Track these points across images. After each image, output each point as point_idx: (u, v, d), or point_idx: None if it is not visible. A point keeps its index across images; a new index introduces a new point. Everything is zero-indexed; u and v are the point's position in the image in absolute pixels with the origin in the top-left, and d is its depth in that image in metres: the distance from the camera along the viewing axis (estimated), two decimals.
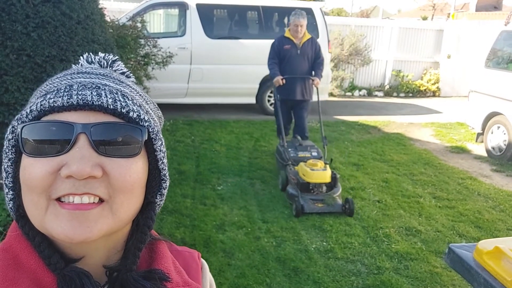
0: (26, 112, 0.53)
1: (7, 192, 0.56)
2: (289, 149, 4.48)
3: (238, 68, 7.15)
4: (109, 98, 0.53)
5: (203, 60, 6.98)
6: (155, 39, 5.99)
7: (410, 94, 10.47)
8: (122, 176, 0.52)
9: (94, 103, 0.52)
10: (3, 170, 0.55)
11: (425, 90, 10.51)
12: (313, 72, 4.85)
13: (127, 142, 0.53)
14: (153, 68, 5.90)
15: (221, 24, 7.67)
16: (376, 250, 3.29)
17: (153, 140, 0.57)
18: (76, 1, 3.41)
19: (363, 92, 10.31)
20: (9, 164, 0.54)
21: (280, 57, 4.83)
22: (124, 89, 0.57)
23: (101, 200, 0.51)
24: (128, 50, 5.35)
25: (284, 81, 4.66)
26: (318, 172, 3.94)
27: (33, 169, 0.50)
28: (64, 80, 0.56)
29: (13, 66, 3.15)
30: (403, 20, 14.55)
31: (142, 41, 5.78)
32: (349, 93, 10.23)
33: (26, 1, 3.13)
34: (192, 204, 3.86)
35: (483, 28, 9.89)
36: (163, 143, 0.60)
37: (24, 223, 0.55)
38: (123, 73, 0.62)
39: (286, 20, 7.70)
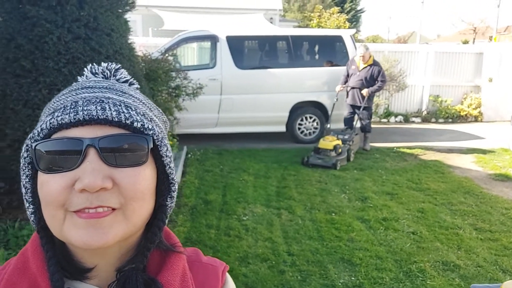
0: (38, 131, 0.56)
1: (28, 206, 0.60)
2: (331, 132, 6.46)
3: (268, 97, 7.17)
4: (113, 111, 0.56)
5: (233, 90, 7.06)
6: (186, 72, 6.14)
7: (450, 120, 10.07)
8: (131, 185, 0.55)
9: (99, 117, 0.55)
10: (22, 186, 0.60)
11: (465, 115, 10.08)
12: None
13: (134, 152, 0.56)
14: (183, 100, 6.02)
15: (250, 55, 7.79)
16: (409, 286, 3.06)
17: (158, 147, 0.59)
18: (105, 37, 3.54)
19: (400, 118, 10.03)
20: (27, 180, 0.59)
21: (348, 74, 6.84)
22: (127, 100, 0.59)
23: (114, 208, 0.54)
24: (159, 83, 5.49)
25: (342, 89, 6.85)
26: (325, 142, 6.06)
27: (49, 185, 0.53)
28: (70, 96, 0.59)
29: (45, 101, 3.28)
30: (441, 45, 14.22)
31: (173, 74, 5.93)
32: (385, 120, 9.98)
33: (58, 38, 3.28)
34: (216, 235, 3.79)
35: None
36: (169, 149, 0.62)
37: (43, 235, 0.59)
38: (126, 81, 0.65)
39: (317, 48, 7.72)
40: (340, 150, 6.06)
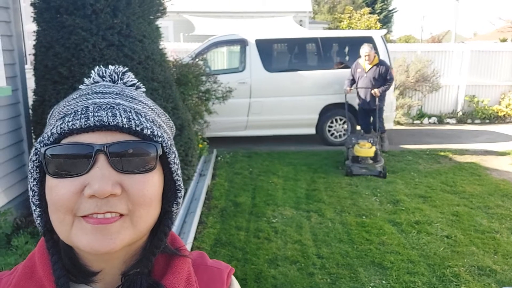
0: (47, 135, 0.56)
1: (34, 209, 0.60)
2: (352, 138, 5.96)
3: (297, 100, 7.16)
4: (124, 118, 0.56)
5: (262, 93, 7.10)
6: (215, 76, 6.22)
7: (487, 121, 9.72)
8: (140, 191, 0.55)
9: (110, 124, 0.55)
10: (29, 189, 0.60)
11: (504, 115, 9.70)
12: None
13: (143, 158, 0.56)
14: (213, 103, 6.10)
15: (279, 58, 7.80)
16: None
17: (167, 154, 0.60)
18: (137, 44, 3.65)
19: (433, 119, 9.77)
20: (35, 183, 0.59)
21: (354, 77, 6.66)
22: (137, 106, 0.60)
23: (121, 214, 0.55)
24: (189, 87, 5.59)
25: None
26: (364, 149, 5.67)
27: (58, 190, 0.54)
28: (80, 101, 0.59)
29: None
30: (476, 43, 13.77)
31: (204, 78, 6.03)
32: (418, 121, 9.74)
33: (93, 46, 3.41)
34: (246, 237, 3.82)
35: None
36: (176, 156, 0.62)
37: (49, 238, 0.60)
38: (133, 85, 0.65)
39: (347, 50, 7.65)
40: (379, 157, 5.86)
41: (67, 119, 0.56)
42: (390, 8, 26.88)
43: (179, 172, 0.63)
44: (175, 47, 8.68)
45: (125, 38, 3.56)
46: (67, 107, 0.59)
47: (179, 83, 5.28)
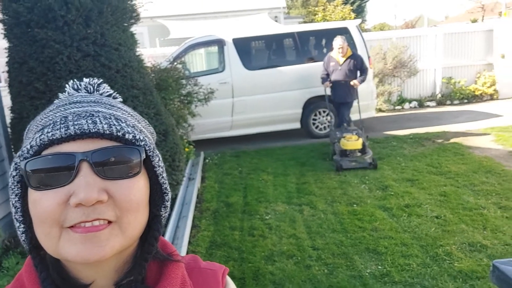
0: (27, 148, 0.55)
1: (18, 226, 0.59)
2: (337, 132, 5.92)
3: (280, 96, 7.18)
4: (104, 124, 0.56)
5: (245, 91, 7.10)
6: (196, 78, 6.20)
7: (465, 101, 9.91)
8: (126, 196, 0.54)
9: (91, 131, 0.54)
10: (11, 205, 0.58)
11: (481, 94, 9.91)
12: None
13: (127, 163, 0.55)
14: (196, 106, 6.07)
15: (258, 55, 7.82)
16: (437, 270, 3.04)
17: (150, 157, 0.59)
18: (113, 52, 3.61)
19: (414, 104, 9.91)
20: (17, 199, 0.58)
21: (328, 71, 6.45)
22: (117, 113, 0.59)
23: (110, 221, 0.54)
24: (170, 91, 5.56)
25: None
26: (351, 142, 5.59)
27: (42, 202, 0.52)
28: (58, 112, 0.58)
29: None
30: (448, 26, 14.01)
31: (184, 81, 5.99)
32: (399, 107, 9.87)
33: (68, 58, 3.36)
34: (241, 236, 3.82)
35: None
36: (160, 159, 0.62)
37: (36, 254, 0.59)
38: (110, 95, 0.65)
39: (324, 42, 7.70)
40: (367, 148, 5.76)
41: (46, 130, 0.55)
42: None
43: (164, 175, 0.63)
44: (152, 52, 8.61)
45: (101, 48, 3.51)
46: (45, 119, 0.58)
47: (159, 88, 5.24)
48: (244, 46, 7.27)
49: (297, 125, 7.39)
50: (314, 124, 7.41)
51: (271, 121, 7.27)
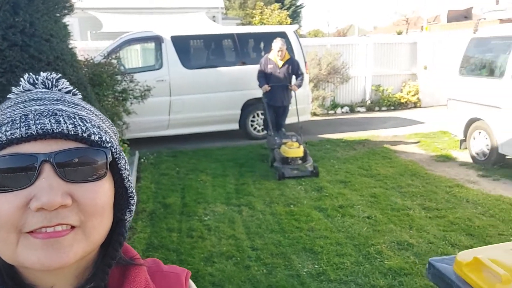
0: None
1: None
2: (275, 137, 5.76)
3: (218, 96, 7.16)
4: (69, 124, 0.52)
5: (183, 90, 6.99)
6: (132, 74, 5.98)
7: (392, 107, 10.58)
8: (92, 200, 0.52)
9: (54, 131, 0.51)
10: None
11: (406, 102, 10.64)
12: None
13: (92, 166, 0.53)
14: (131, 103, 5.86)
15: (197, 54, 7.74)
16: (369, 268, 3.21)
17: (117, 159, 0.57)
18: (44, 43, 3.38)
19: (346, 109, 10.39)
20: None
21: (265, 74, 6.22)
22: (81, 112, 0.56)
23: (73, 226, 0.51)
24: (104, 87, 5.31)
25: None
26: (293, 150, 5.45)
27: (0, 206, 0.49)
28: (17, 109, 0.54)
29: None
30: (378, 36, 14.88)
31: (119, 77, 5.75)
32: (332, 111, 10.30)
33: None
34: (179, 238, 3.75)
35: (455, 37, 10.13)
36: (126, 161, 0.60)
37: None
38: (69, 92, 0.61)
39: (262, 45, 7.80)
40: (308, 156, 5.61)
41: (4, 128, 0.51)
42: (298, 4, 27.95)
43: (130, 178, 0.61)
44: (84, 45, 8.16)
45: (30, 38, 3.27)
46: (2, 116, 0.54)
47: (92, 83, 5.00)
48: (182, 44, 7.16)
49: (235, 126, 7.41)
50: (252, 125, 7.48)
51: (209, 121, 7.22)
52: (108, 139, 0.55)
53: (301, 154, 5.49)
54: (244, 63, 7.38)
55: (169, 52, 6.97)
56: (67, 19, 4.10)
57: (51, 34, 3.45)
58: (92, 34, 11.49)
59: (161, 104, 6.87)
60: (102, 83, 5.22)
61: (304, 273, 3.17)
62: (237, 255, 3.44)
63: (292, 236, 3.75)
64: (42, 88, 0.60)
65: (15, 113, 0.53)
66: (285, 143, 5.57)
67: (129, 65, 7.61)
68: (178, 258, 3.38)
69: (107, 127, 0.60)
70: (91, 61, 5.40)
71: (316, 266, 3.27)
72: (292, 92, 6.21)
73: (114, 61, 5.97)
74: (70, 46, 3.81)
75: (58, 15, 3.67)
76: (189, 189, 4.98)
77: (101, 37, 10.57)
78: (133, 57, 8.23)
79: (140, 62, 8.18)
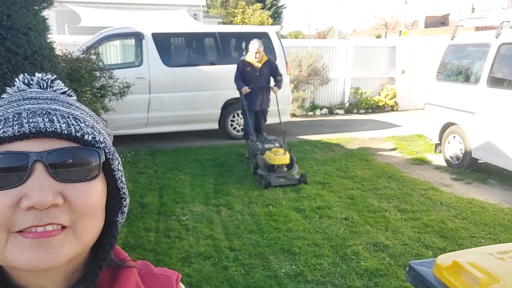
0: None
1: None
2: (257, 143, 5.56)
3: (198, 95, 7.13)
4: (62, 123, 0.52)
5: (162, 88, 6.92)
6: (111, 71, 5.89)
7: (370, 110, 10.75)
8: (84, 200, 0.52)
9: (48, 130, 0.51)
10: None
11: (383, 105, 10.83)
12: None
13: (85, 166, 0.53)
14: (110, 100, 5.77)
15: (178, 52, 7.68)
16: (345, 269, 3.26)
17: (110, 160, 0.57)
18: (21, 37, 3.30)
19: (325, 111, 10.50)
20: None
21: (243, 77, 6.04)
22: (75, 112, 0.56)
23: (63, 226, 0.51)
24: (82, 83, 5.22)
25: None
26: (279, 156, 5.19)
27: None
28: (10, 108, 0.54)
29: None
30: (358, 39, 15.08)
31: (97, 73, 5.66)
32: (311, 113, 10.38)
33: None
34: (156, 237, 3.72)
35: (433, 43, 10.37)
36: (120, 162, 0.60)
37: None
38: (64, 93, 0.62)
39: (244, 45, 7.80)
40: (294, 163, 5.41)
41: None
42: (279, 4, 28.06)
43: (123, 179, 0.61)
44: (61, 39, 7.98)
45: (7, 31, 3.19)
46: None
47: (70, 79, 4.90)
48: (163, 42, 7.10)
49: (215, 125, 7.39)
50: (232, 125, 7.48)
51: (189, 120, 7.18)
52: (101, 140, 0.55)
53: (288, 161, 5.25)
54: (228, 61, 7.31)
55: (150, 49, 6.90)
56: (48, 13, 4.01)
57: (29, 27, 3.38)
58: (70, 28, 11.23)
59: (140, 101, 6.79)
60: (80, 79, 5.12)
61: (282, 273, 3.19)
62: (215, 255, 3.43)
63: (271, 237, 3.77)
64: (37, 88, 0.60)
65: (8, 111, 0.53)
66: (269, 149, 5.35)
67: (108, 61, 7.49)
68: (155, 258, 3.35)
69: (101, 128, 0.60)
70: (69, 56, 5.28)
71: (293, 267, 3.30)
72: (272, 94, 6.13)
73: (93, 57, 5.86)
74: (48, 41, 3.73)
75: (36, 8, 3.59)
76: (167, 189, 4.94)
77: (79, 32, 10.35)
78: (112, 53, 8.10)
79: (120, 58, 8.06)
